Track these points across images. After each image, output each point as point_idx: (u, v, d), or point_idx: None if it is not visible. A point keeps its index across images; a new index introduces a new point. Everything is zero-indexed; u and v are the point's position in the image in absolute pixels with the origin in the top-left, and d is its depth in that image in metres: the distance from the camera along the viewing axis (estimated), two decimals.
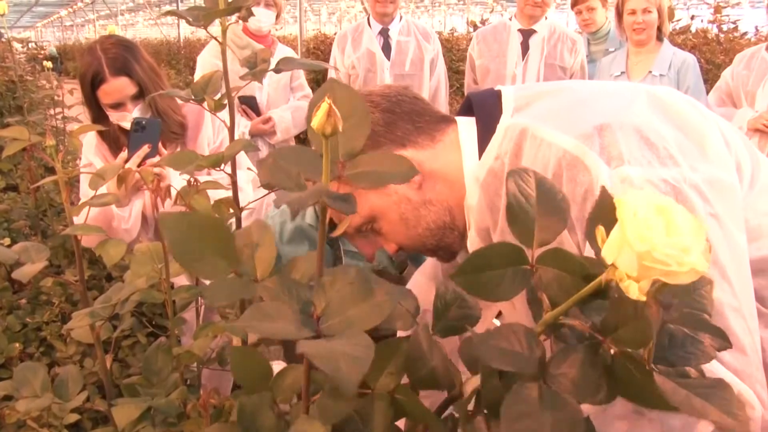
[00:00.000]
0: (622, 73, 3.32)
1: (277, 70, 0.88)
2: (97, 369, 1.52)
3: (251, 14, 0.83)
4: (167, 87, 1.81)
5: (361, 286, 0.55)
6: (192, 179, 1.00)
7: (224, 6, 0.83)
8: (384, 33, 3.62)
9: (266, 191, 0.97)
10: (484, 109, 0.98)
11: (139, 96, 1.74)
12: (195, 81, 0.96)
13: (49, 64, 4.08)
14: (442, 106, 3.78)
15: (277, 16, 3.20)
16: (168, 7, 28.74)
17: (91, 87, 1.73)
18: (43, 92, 3.58)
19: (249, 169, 1.86)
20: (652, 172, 0.82)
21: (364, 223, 1.01)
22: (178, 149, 1.85)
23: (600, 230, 0.53)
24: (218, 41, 0.87)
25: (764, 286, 0.89)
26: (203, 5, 0.89)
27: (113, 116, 1.76)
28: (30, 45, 5.80)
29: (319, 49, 9.43)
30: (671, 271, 0.46)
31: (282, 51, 3.27)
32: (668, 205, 0.49)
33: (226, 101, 0.91)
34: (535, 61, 3.54)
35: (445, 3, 26.48)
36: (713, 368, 0.76)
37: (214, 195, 1.01)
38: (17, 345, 1.77)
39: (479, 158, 0.95)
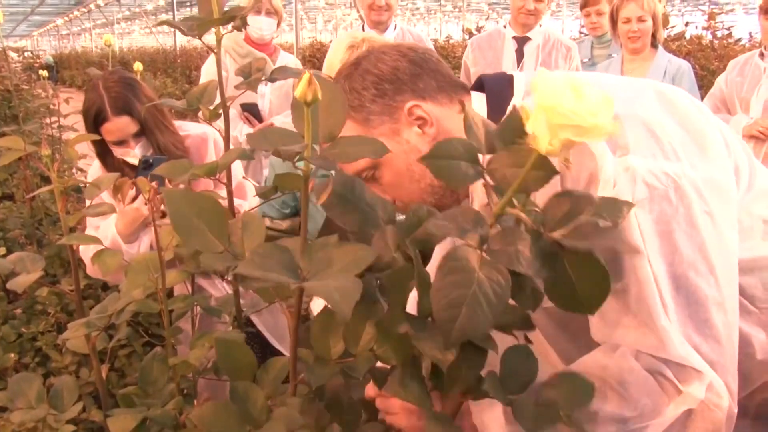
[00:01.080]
0: None
1: (272, 79, 0.89)
2: (93, 379, 1.52)
3: (245, 24, 0.83)
4: (170, 122, 1.84)
5: (341, 247, 0.63)
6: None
7: (218, 16, 0.83)
8: None
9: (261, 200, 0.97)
10: (496, 90, 1.00)
11: (141, 133, 1.78)
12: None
13: (44, 73, 4.08)
14: None
15: (278, 24, 3.21)
16: (164, 16, 28.79)
17: (94, 124, 1.76)
18: (38, 101, 3.58)
19: (245, 178, 1.86)
20: (655, 164, 0.84)
21: (367, 169, 1.00)
22: None
23: (524, 108, 0.60)
24: (213, 51, 0.87)
25: (753, 285, 0.93)
26: (198, 15, 0.89)
27: (117, 152, 1.80)
28: (26, 54, 5.80)
29: (315, 56, 9.47)
30: (577, 126, 0.54)
31: (284, 58, 3.28)
32: (582, 84, 0.55)
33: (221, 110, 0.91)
34: (529, 68, 3.55)
35: (441, 10, 26.59)
36: (690, 357, 0.81)
37: None
38: (12, 355, 1.77)
39: None
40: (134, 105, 1.74)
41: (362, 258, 0.61)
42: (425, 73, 1.01)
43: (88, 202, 1.01)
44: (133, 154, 1.76)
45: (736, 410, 0.83)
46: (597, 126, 0.54)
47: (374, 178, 1.02)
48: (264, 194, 0.91)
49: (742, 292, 0.91)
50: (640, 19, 3.20)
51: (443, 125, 1.00)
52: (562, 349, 1.01)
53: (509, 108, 0.93)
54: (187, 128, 1.90)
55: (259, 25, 3.11)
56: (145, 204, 1.67)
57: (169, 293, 1.68)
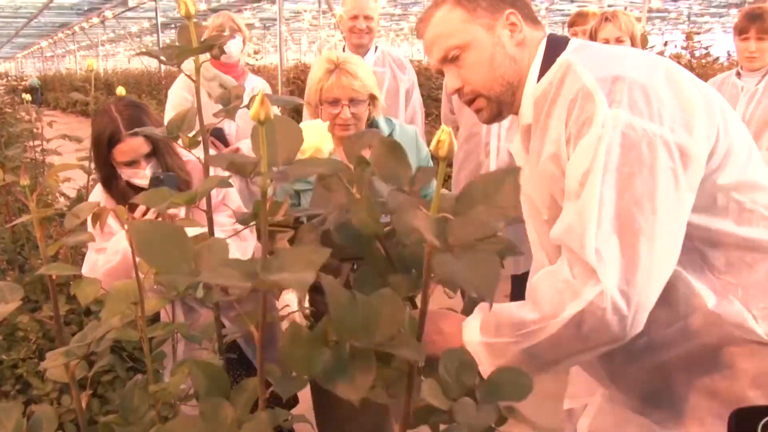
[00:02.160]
0: None
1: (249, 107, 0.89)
2: (74, 406, 1.50)
3: (223, 53, 0.84)
4: (175, 147, 1.90)
5: (295, 251, 0.71)
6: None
7: (197, 44, 0.84)
8: None
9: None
10: (554, 45, 1.24)
11: (152, 154, 1.84)
12: (167, 116, 0.97)
13: (28, 96, 4.06)
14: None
15: (243, 42, 3.17)
16: (149, 38, 28.81)
17: (107, 146, 1.81)
18: (22, 125, 3.56)
19: (225, 204, 1.87)
20: (638, 121, 1.04)
21: (456, 48, 1.23)
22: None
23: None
24: (192, 79, 0.87)
25: (717, 257, 1.13)
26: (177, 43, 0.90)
27: (126, 173, 1.85)
28: (9, 77, 5.78)
29: (299, 78, 9.50)
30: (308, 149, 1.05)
31: (252, 81, 3.22)
32: (317, 127, 1.18)
33: (200, 138, 0.92)
34: None
35: None
36: (596, 263, 0.98)
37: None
38: None
39: (537, 78, 1.22)
40: (147, 125, 1.80)
41: (316, 260, 0.65)
42: (522, 1, 1.27)
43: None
44: (143, 175, 1.83)
45: (633, 317, 0.99)
46: (317, 148, 1.18)
47: (457, 59, 1.23)
48: (244, 221, 0.92)
49: (705, 259, 1.13)
50: (618, 40, 3.22)
51: (526, 38, 1.24)
52: (553, 255, 1.22)
53: (558, 59, 1.20)
54: (186, 154, 1.95)
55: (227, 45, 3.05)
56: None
57: (156, 317, 1.67)
